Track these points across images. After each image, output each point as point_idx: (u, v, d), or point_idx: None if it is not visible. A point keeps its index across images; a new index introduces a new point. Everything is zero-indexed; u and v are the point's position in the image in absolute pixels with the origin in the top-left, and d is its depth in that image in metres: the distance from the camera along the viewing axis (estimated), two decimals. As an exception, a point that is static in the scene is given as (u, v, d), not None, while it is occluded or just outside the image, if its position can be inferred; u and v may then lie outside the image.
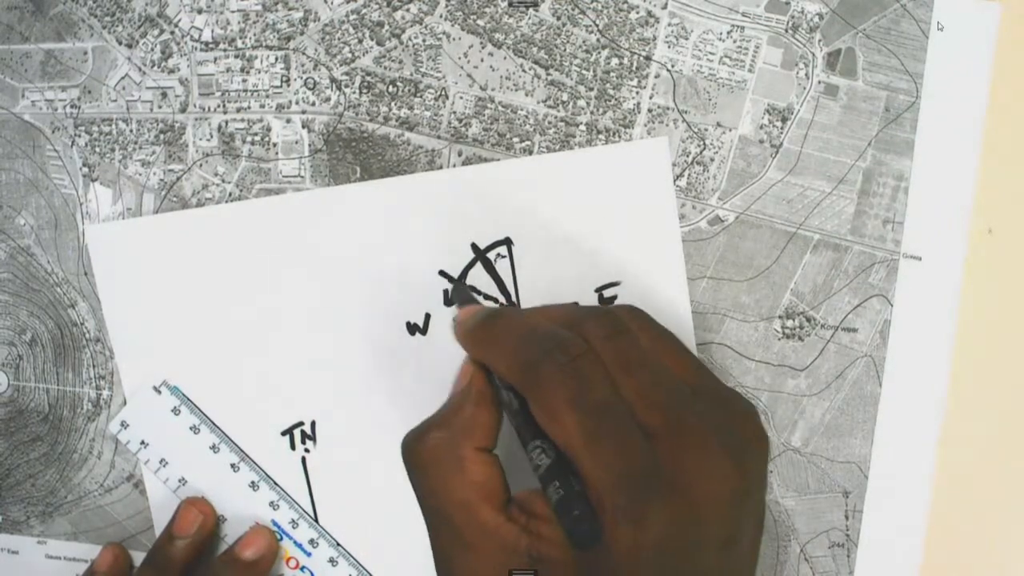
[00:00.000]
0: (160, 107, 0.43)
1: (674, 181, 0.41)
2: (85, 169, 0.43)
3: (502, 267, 0.41)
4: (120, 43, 0.43)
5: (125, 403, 0.43)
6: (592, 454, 0.28)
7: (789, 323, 0.42)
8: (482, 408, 0.32)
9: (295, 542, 0.42)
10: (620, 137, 0.41)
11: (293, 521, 0.42)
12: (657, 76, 0.41)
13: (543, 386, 0.29)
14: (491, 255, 0.41)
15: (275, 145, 0.42)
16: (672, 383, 0.30)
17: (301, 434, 0.42)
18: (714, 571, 0.29)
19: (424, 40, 0.42)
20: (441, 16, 0.42)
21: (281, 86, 0.42)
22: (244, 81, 0.42)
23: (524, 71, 0.42)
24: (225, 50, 0.42)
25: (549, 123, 0.42)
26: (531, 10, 0.42)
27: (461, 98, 0.42)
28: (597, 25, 0.41)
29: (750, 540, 0.31)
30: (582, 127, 0.42)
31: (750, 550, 0.31)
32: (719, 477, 0.29)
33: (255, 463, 0.42)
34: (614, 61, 0.41)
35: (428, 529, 0.32)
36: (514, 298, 0.41)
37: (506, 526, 0.30)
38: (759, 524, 0.32)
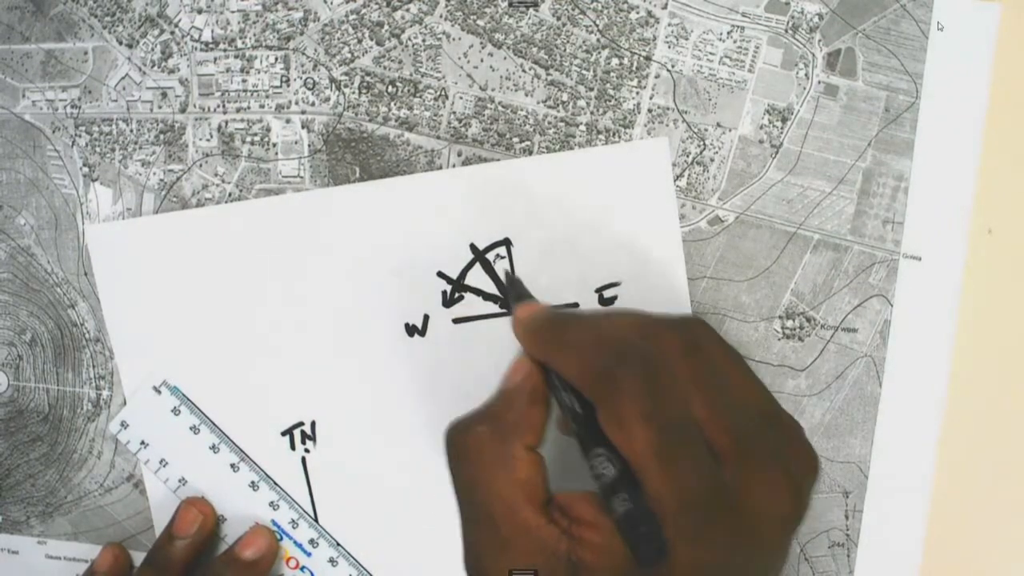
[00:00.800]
0: (160, 107, 0.43)
1: (674, 181, 0.41)
2: (85, 169, 0.43)
3: (501, 268, 0.41)
4: (120, 43, 0.43)
5: (125, 403, 0.43)
6: (663, 472, 0.28)
7: (789, 323, 0.42)
8: (536, 407, 0.32)
9: (295, 542, 0.42)
10: (620, 137, 0.41)
11: (293, 521, 0.42)
12: (657, 76, 0.41)
13: (618, 396, 0.29)
14: (490, 256, 0.41)
15: (275, 145, 0.42)
16: (742, 406, 0.30)
17: (301, 434, 0.42)
18: None
19: (424, 40, 0.42)
20: (441, 16, 0.42)
21: (281, 86, 0.42)
22: (244, 81, 0.42)
23: (524, 71, 0.42)
24: (225, 50, 0.42)
25: (549, 123, 0.42)
26: (531, 10, 0.42)
27: (461, 98, 0.42)
28: (597, 25, 0.41)
29: (782, 565, 0.31)
30: (582, 127, 0.42)
31: (783, 567, 0.31)
32: (781, 506, 0.29)
33: (255, 463, 0.42)
34: (614, 61, 0.41)
35: (463, 522, 0.31)
36: (514, 298, 0.41)
37: (547, 528, 0.29)
38: (789, 551, 0.32)
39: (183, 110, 0.43)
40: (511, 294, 0.38)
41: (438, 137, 0.42)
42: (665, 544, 0.27)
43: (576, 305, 0.41)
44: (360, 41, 0.42)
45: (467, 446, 0.31)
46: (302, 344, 0.42)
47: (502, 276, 0.41)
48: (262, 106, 0.42)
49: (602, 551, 0.28)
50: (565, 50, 0.42)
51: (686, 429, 0.29)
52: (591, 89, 0.42)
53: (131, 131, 0.43)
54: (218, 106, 0.42)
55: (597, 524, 0.29)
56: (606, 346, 0.31)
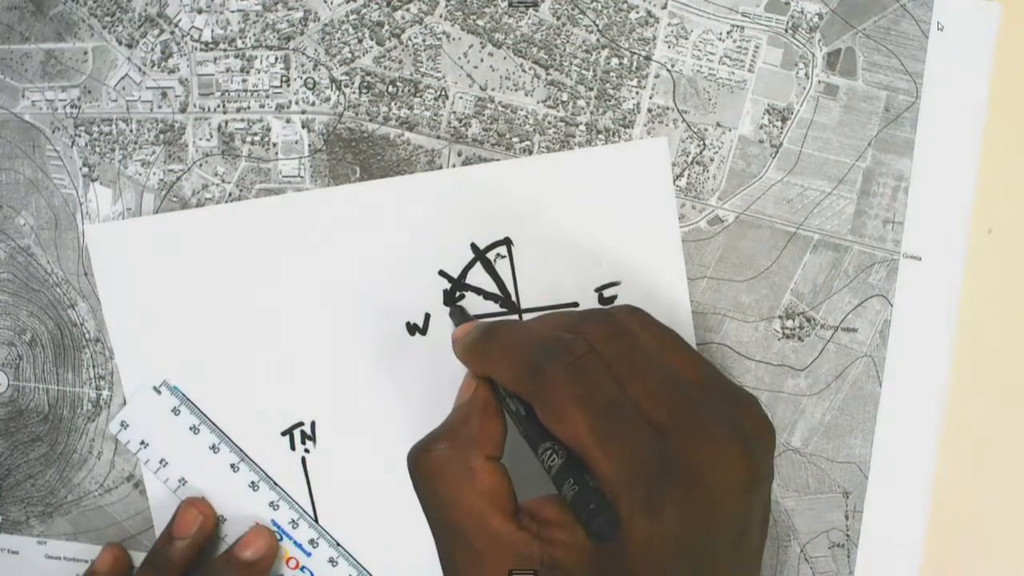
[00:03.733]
0: (160, 107, 0.43)
1: (674, 181, 0.41)
2: (85, 169, 0.43)
3: (502, 267, 0.41)
4: (120, 43, 0.43)
5: (125, 403, 0.43)
6: (604, 451, 0.28)
7: (789, 323, 0.42)
8: (489, 418, 0.32)
9: (295, 542, 0.42)
10: (620, 137, 0.41)
11: (293, 521, 0.42)
12: (657, 76, 0.41)
13: (549, 389, 0.30)
14: (491, 255, 0.41)
15: (275, 145, 0.42)
16: (677, 380, 0.31)
17: (301, 434, 0.42)
18: (727, 561, 0.29)
19: (424, 40, 0.42)
20: (441, 16, 0.42)
21: (281, 86, 0.42)
22: (244, 81, 0.42)
23: (524, 71, 0.42)
24: (225, 50, 0.42)
25: (549, 123, 0.42)
26: (531, 10, 0.42)
27: (461, 98, 0.42)
28: (597, 25, 0.41)
29: (760, 531, 0.31)
30: (582, 127, 0.42)
31: (760, 540, 0.31)
32: (732, 469, 0.29)
33: (255, 463, 0.42)
34: (614, 61, 0.41)
35: (437, 542, 0.32)
36: (514, 298, 0.41)
37: (517, 534, 0.30)
38: (767, 514, 0.32)
39: (183, 110, 0.43)
40: (454, 318, 0.40)
41: (438, 137, 0.42)
42: (616, 517, 0.27)
43: (576, 305, 0.41)
44: (360, 41, 0.42)
45: (429, 465, 0.32)
46: (302, 344, 0.42)
47: (503, 275, 0.41)
48: (262, 106, 0.42)
49: (570, 547, 0.29)
50: (565, 50, 0.42)
51: (620, 407, 0.29)
52: (591, 89, 0.42)
53: (131, 131, 0.43)
54: (218, 106, 0.42)
55: (563, 522, 0.29)
56: (531, 344, 0.31)
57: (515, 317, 0.41)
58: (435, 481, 0.31)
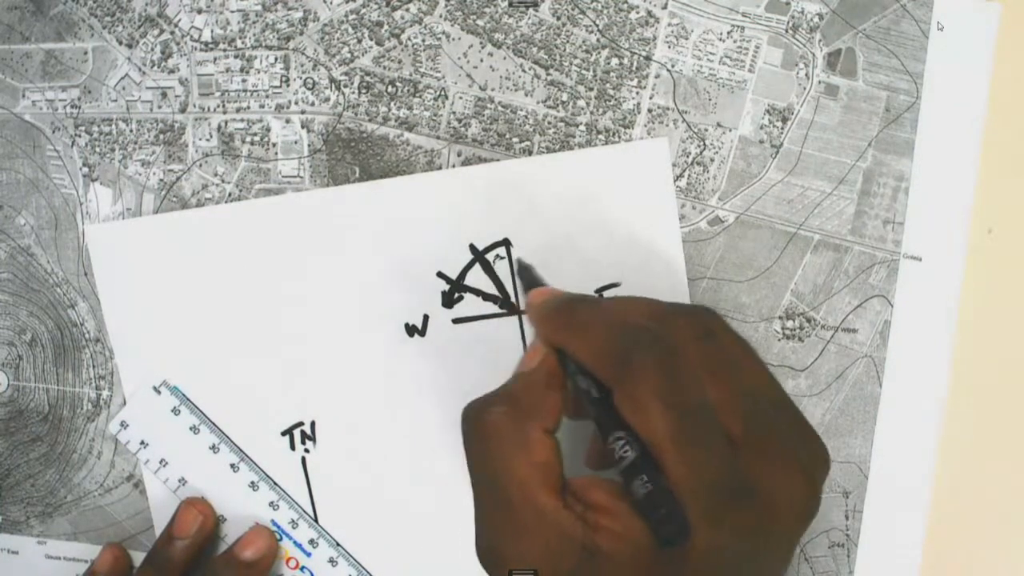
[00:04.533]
0: (160, 107, 0.43)
1: (674, 181, 0.41)
2: (85, 169, 0.43)
3: (501, 268, 0.41)
4: (120, 43, 0.43)
5: (125, 403, 0.43)
6: (681, 454, 0.28)
7: (789, 324, 0.42)
8: (553, 390, 0.32)
9: (295, 542, 0.42)
10: (620, 137, 0.41)
11: (293, 521, 0.42)
12: (657, 76, 0.41)
13: (635, 379, 0.29)
14: (489, 256, 0.41)
15: (274, 145, 0.42)
16: (754, 394, 0.30)
17: (301, 434, 0.42)
18: None
19: (423, 40, 0.42)
20: (440, 16, 0.42)
21: (280, 86, 0.42)
22: (244, 81, 0.42)
23: (524, 71, 0.42)
24: (225, 50, 0.42)
25: (549, 123, 0.42)
26: (531, 10, 0.41)
27: (460, 98, 0.42)
28: (597, 25, 0.41)
29: (793, 554, 0.31)
30: (582, 127, 0.42)
31: (788, 564, 0.31)
32: (796, 493, 0.29)
33: (255, 463, 0.42)
34: (614, 61, 0.41)
35: (477, 503, 0.31)
36: (513, 299, 0.41)
37: (563, 512, 0.29)
38: (798, 542, 0.32)
39: (183, 110, 0.43)
40: (523, 281, 0.37)
41: (438, 137, 0.42)
42: (686, 524, 0.27)
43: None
44: (360, 41, 0.42)
45: (485, 426, 0.31)
46: (302, 344, 0.42)
47: (501, 277, 0.41)
48: (262, 106, 0.42)
49: (619, 537, 0.28)
50: (565, 50, 0.42)
51: (703, 413, 0.28)
52: (591, 89, 0.42)
53: (131, 131, 0.43)
54: (218, 106, 0.42)
55: (614, 510, 0.29)
56: (620, 330, 0.30)
57: (518, 307, 0.41)
58: (489, 444, 0.30)
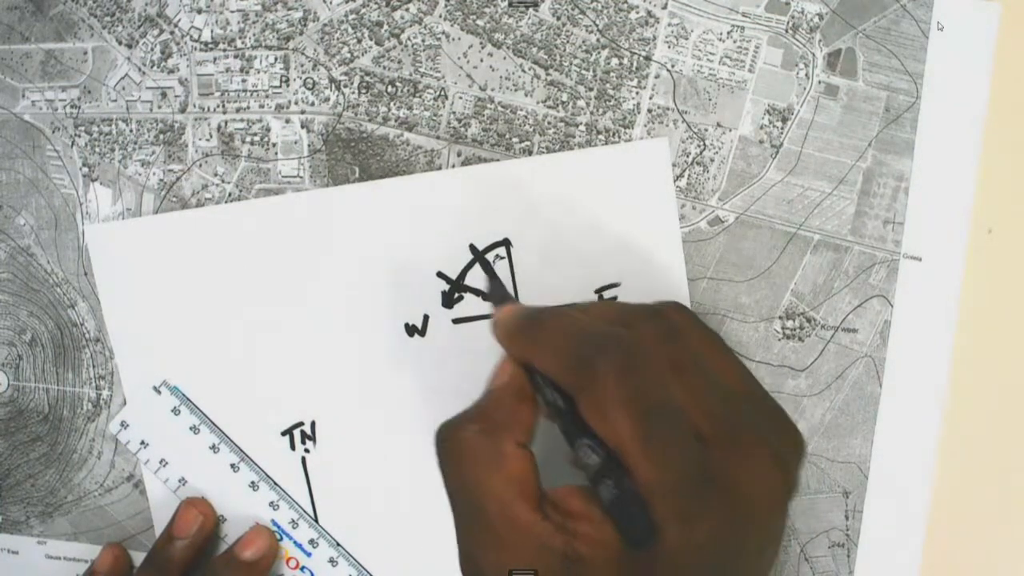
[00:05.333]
0: (160, 107, 0.43)
1: (674, 181, 0.41)
2: (85, 169, 0.43)
3: (500, 268, 0.41)
4: (120, 43, 0.43)
5: (125, 403, 0.43)
6: (647, 455, 0.28)
7: (789, 323, 0.42)
8: (523, 404, 0.32)
9: (295, 542, 0.42)
10: (620, 137, 0.41)
11: (293, 521, 0.42)
12: (657, 76, 0.41)
13: (596, 386, 0.29)
14: (489, 256, 0.41)
15: (274, 145, 0.42)
16: (722, 388, 0.30)
17: (301, 434, 0.42)
18: (748, 572, 0.29)
19: (423, 40, 0.42)
20: (440, 16, 0.42)
21: (280, 86, 0.42)
22: (243, 81, 0.42)
23: (524, 71, 0.42)
24: (225, 50, 0.42)
25: (549, 123, 0.42)
26: (531, 10, 0.41)
27: (460, 98, 0.42)
28: (597, 25, 0.41)
29: (778, 543, 0.31)
30: (582, 127, 0.42)
31: (776, 553, 0.31)
32: (768, 483, 0.29)
33: (255, 463, 0.42)
34: (614, 61, 0.41)
35: (457, 523, 0.31)
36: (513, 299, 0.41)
37: (542, 524, 0.29)
38: (784, 527, 0.32)
39: (183, 110, 0.43)
40: (492, 297, 0.38)
41: (438, 137, 0.42)
42: (654, 525, 0.27)
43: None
44: (360, 41, 0.42)
45: (458, 446, 0.31)
46: (302, 344, 0.42)
47: (502, 277, 0.41)
48: (262, 106, 0.42)
49: (595, 542, 0.28)
50: (565, 50, 0.42)
51: (667, 413, 0.29)
52: (591, 89, 0.42)
53: (131, 131, 0.43)
54: (218, 106, 0.42)
55: (589, 516, 0.29)
56: (581, 338, 0.31)
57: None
58: (462, 462, 0.31)
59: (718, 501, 0.28)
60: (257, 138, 0.42)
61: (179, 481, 0.42)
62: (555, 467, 0.32)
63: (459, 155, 0.42)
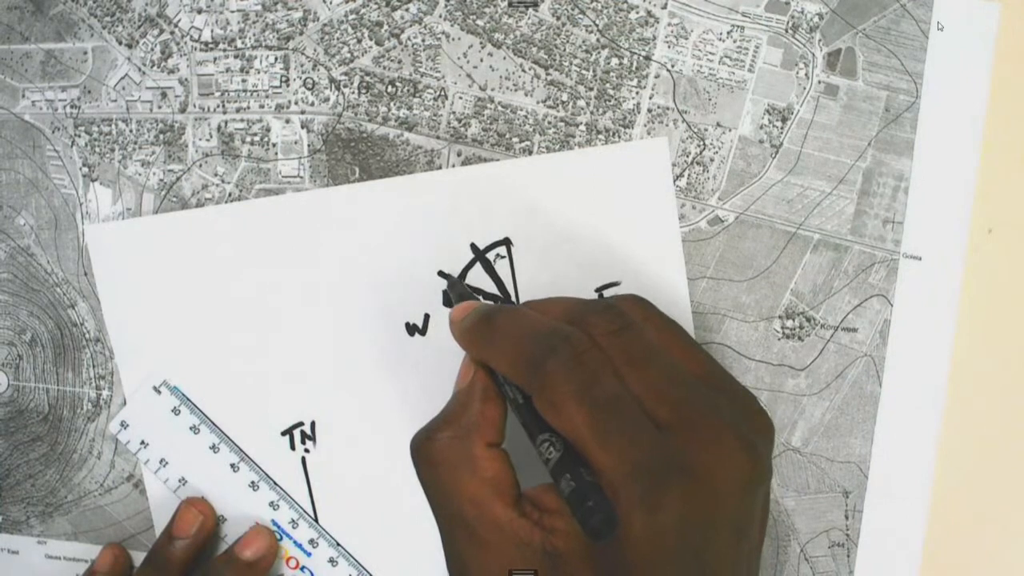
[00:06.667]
0: (160, 107, 0.43)
1: (674, 181, 0.41)
2: (85, 169, 0.43)
3: (501, 267, 0.41)
4: (120, 43, 0.43)
5: (125, 403, 0.43)
6: (603, 446, 0.28)
7: (789, 323, 0.42)
8: (489, 404, 0.32)
9: (295, 542, 0.42)
10: (620, 137, 0.41)
11: (293, 521, 0.42)
12: (657, 76, 0.41)
13: (549, 382, 0.29)
14: (490, 255, 0.41)
15: (274, 145, 0.42)
16: (680, 376, 0.30)
17: (301, 434, 0.42)
18: (727, 558, 0.29)
19: (423, 40, 0.42)
20: (440, 16, 0.42)
21: (280, 86, 0.42)
22: (244, 81, 0.42)
23: (524, 71, 0.42)
24: (225, 50, 0.42)
25: (549, 123, 0.42)
26: (531, 10, 0.42)
27: (460, 98, 0.42)
28: (597, 25, 0.41)
29: (759, 528, 0.31)
30: (582, 127, 0.42)
31: (759, 538, 0.31)
32: (733, 465, 0.29)
33: (255, 463, 0.42)
34: (614, 61, 0.41)
35: (440, 528, 0.32)
36: (514, 299, 0.41)
37: (519, 522, 0.30)
38: (766, 512, 0.32)
39: (183, 110, 0.43)
40: (452, 295, 0.38)
41: (438, 137, 0.42)
42: (614, 515, 0.27)
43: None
44: (359, 41, 0.42)
45: (431, 453, 0.32)
46: (302, 344, 0.42)
47: (502, 276, 0.41)
48: (262, 106, 0.42)
49: (569, 536, 0.29)
50: (565, 50, 0.42)
51: (620, 402, 0.29)
52: (591, 89, 0.42)
53: (131, 131, 0.43)
54: (218, 106, 0.42)
55: (563, 511, 0.29)
56: (532, 337, 0.31)
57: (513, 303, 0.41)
58: (437, 469, 0.31)
59: (681, 486, 0.28)
60: (257, 138, 0.42)
61: (179, 481, 0.42)
62: (538, 465, 0.32)
63: (459, 155, 0.42)
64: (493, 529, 0.30)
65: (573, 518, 0.28)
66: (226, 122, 0.42)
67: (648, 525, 0.27)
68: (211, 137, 0.42)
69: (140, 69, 0.43)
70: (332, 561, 0.42)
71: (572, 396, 0.29)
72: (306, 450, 0.42)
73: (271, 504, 0.42)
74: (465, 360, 0.34)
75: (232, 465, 0.42)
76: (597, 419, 0.28)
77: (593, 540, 0.27)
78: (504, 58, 0.42)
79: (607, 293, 0.41)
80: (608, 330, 0.31)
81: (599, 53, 0.41)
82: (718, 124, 0.41)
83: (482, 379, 0.33)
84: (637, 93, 0.41)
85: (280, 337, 0.42)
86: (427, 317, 0.41)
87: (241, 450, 0.42)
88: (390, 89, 0.42)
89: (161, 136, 0.43)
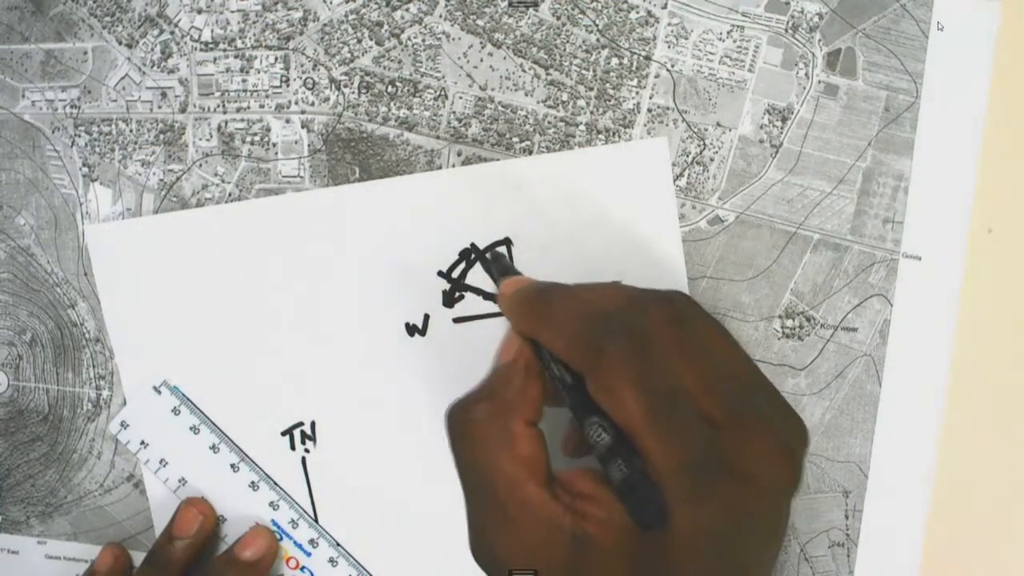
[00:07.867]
0: (160, 107, 0.43)
1: (674, 181, 0.41)
2: (85, 169, 0.43)
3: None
4: (120, 43, 0.43)
5: (125, 403, 0.43)
6: (657, 436, 0.28)
7: (789, 323, 0.42)
8: (531, 381, 0.32)
9: (295, 542, 0.42)
10: (620, 137, 0.41)
11: (293, 521, 0.42)
12: (657, 76, 0.41)
13: (607, 366, 0.29)
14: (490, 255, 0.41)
15: (274, 145, 0.42)
16: (731, 376, 0.30)
17: (301, 434, 0.42)
18: (757, 560, 0.29)
19: (423, 40, 0.42)
20: (440, 16, 0.42)
21: (280, 86, 0.42)
22: (244, 81, 0.42)
23: (524, 71, 0.42)
24: (225, 50, 0.42)
25: (549, 123, 0.42)
26: (531, 10, 0.42)
27: (460, 98, 0.42)
28: (597, 25, 0.41)
29: (783, 534, 0.31)
30: (582, 127, 0.42)
31: (780, 544, 0.31)
32: (777, 470, 0.29)
33: (255, 463, 0.42)
34: (614, 61, 0.41)
35: (467, 503, 0.31)
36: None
37: (551, 504, 0.29)
38: (787, 524, 0.32)
39: (183, 110, 0.43)
40: (495, 269, 0.37)
41: (438, 137, 0.42)
42: (664, 507, 0.27)
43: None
44: (360, 41, 0.42)
45: (468, 426, 0.31)
46: (302, 344, 0.42)
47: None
48: (262, 106, 0.42)
49: (605, 523, 0.28)
50: (565, 50, 0.42)
51: (677, 395, 0.29)
52: (591, 89, 0.42)
53: (131, 131, 0.43)
54: (218, 106, 0.42)
55: (598, 497, 0.29)
56: (592, 318, 0.31)
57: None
58: (473, 443, 0.31)
59: (728, 485, 0.28)
60: (257, 138, 0.42)
61: (179, 481, 0.42)
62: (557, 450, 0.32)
63: (459, 155, 0.42)
64: (524, 508, 0.29)
65: (610, 506, 0.28)
66: (226, 122, 0.42)
67: (692, 520, 0.27)
68: (211, 137, 0.42)
69: (140, 69, 0.43)
70: (332, 561, 0.42)
71: (630, 383, 0.28)
72: (306, 450, 0.42)
73: (271, 504, 0.42)
74: (508, 334, 0.33)
75: (232, 465, 0.42)
76: (654, 409, 0.28)
77: (642, 530, 0.27)
78: (504, 58, 0.42)
79: (607, 293, 0.41)
80: (666, 320, 0.30)
81: (599, 53, 0.41)
82: (718, 124, 0.41)
83: (528, 355, 0.32)
84: (637, 93, 0.41)
85: (280, 337, 0.42)
86: (427, 317, 0.41)
87: (241, 450, 0.42)
88: (390, 89, 0.42)
89: (161, 136, 0.43)
